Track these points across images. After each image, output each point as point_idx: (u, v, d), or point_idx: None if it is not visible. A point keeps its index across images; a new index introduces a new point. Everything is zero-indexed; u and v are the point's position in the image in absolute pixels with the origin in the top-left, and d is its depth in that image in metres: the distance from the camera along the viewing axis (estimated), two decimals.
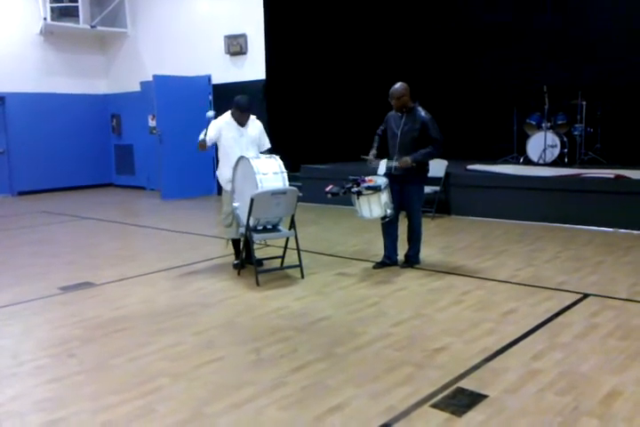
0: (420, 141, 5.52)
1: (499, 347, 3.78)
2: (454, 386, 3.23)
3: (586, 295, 4.82)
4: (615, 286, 5.08)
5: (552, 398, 3.08)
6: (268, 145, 5.88)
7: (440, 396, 3.12)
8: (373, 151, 5.78)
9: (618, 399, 3.05)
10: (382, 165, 5.77)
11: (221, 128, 5.65)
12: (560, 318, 4.30)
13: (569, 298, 4.76)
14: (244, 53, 11.15)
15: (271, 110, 10.63)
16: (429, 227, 7.67)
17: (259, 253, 5.87)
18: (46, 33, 12.65)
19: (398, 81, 5.62)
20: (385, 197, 5.38)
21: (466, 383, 3.26)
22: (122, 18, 13.12)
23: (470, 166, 9.27)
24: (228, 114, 5.72)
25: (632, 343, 3.80)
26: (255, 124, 5.79)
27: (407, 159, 5.47)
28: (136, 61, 13.14)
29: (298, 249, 5.54)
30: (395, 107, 5.61)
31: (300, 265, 5.54)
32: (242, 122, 5.67)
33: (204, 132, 5.60)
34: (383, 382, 3.31)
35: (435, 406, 3.02)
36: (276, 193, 5.20)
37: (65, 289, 5.37)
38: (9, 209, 10.83)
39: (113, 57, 13.78)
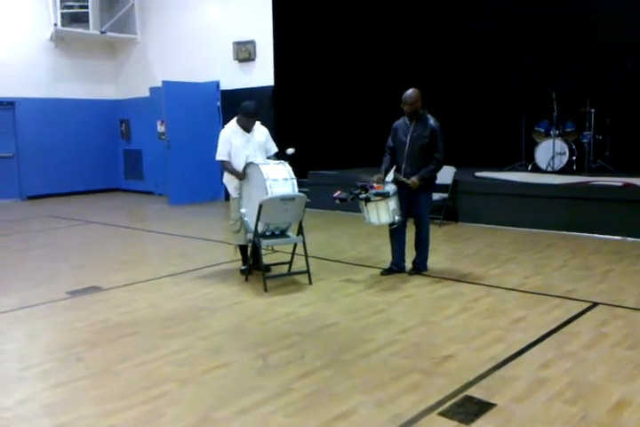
0: (428, 149, 5.51)
1: (507, 355, 3.76)
2: (462, 394, 3.22)
3: (594, 304, 4.79)
4: (624, 294, 5.05)
5: (560, 407, 3.06)
6: (274, 149, 5.91)
7: (448, 404, 3.11)
8: (379, 175, 5.60)
9: (627, 409, 3.03)
10: (391, 173, 5.76)
11: (230, 137, 5.67)
12: (568, 327, 4.28)
13: (577, 307, 4.73)
14: (253, 60, 11.20)
15: (279, 116, 10.66)
16: (437, 234, 7.66)
17: (266, 259, 5.87)
18: (56, 39, 12.74)
19: (406, 88, 5.59)
20: (393, 203, 5.37)
21: (474, 392, 3.25)
22: (131, 24, 13.20)
23: (478, 173, 9.26)
24: (233, 121, 5.74)
25: None
26: (261, 130, 5.81)
27: (415, 181, 5.47)
28: (145, 67, 13.21)
29: (306, 255, 5.54)
30: (406, 112, 5.59)
31: (307, 271, 5.54)
32: (248, 128, 5.68)
33: (218, 154, 5.68)
34: (390, 390, 3.29)
35: (442, 414, 3.01)
36: (284, 199, 5.21)
37: (72, 293, 5.38)
38: (18, 213, 10.88)
39: (122, 63, 13.87)
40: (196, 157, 11.03)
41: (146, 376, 3.54)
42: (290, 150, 5.78)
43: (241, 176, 5.57)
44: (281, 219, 5.36)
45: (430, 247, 5.92)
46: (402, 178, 5.54)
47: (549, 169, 9.31)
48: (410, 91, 5.54)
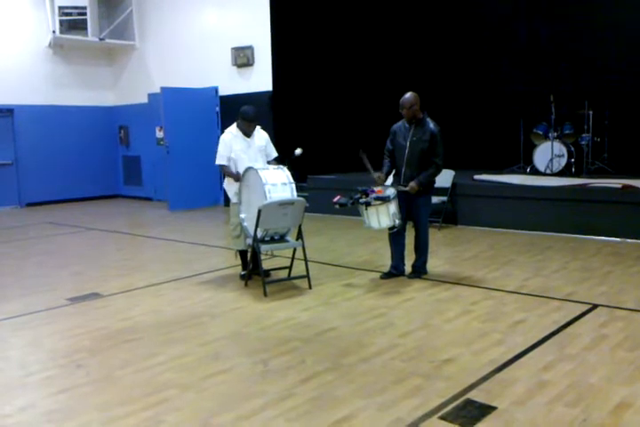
0: (428, 153, 5.51)
1: (507, 358, 3.76)
2: (463, 397, 3.22)
3: (595, 306, 4.79)
4: (624, 296, 5.05)
5: (561, 410, 3.06)
6: (274, 154, 5.92)
7: (449, 407, 3.11)
8: (380, 174, 5.61)
9: (628, 411, 3.03)
10: (390, 178, 5.77)
11: (231, 142, 5.67)
12: (569, 329, 4.28)
13: (577, 309, 4.73)
14: (251, 65, 11.23)
15: (278, 121, 10.68)
16: (436, 237, 7.67)
17: (266, 264, 5.87)
18: (55, 46, 12.79)
19: (405, 91, 5.59)
20: (393, 207, 5.37)
21: (475, 395, 3.25)
22: (130, 30, 13.24)
23: (477, 176, 9.27)
24: (234, 126, 5.75)
25: None
26: (261, 134, 5.82)
27: (414, 186, 5.48)
28: (144, 73, 13.24)
29: (305, 260, 5.54)
30: (405, 117, 5.60)
31: (307, 276, 5.54)
32: (248, 132, 5.69)
33: (218, 157, 5.68)
34: (391, 394, 3.29)
35: (443, 417, 3.01)
36: (283, 203, 5.21)
37: (73, 300, 5.38)
38: (17, 220, 10.88)
39: (121, 69, 13.89)
40: (194, 163, 11.05)
41: (146, 383, 3.54)
42: (297, 151, 5.79)
43: (236, 178, 5.61)
44: (280, 224, 5.36)
45: (430, 250, 5.92)
46: (401, 188, 5.52)
47: (548, 171, 9.32)
48: (407, 95, 5.53)
